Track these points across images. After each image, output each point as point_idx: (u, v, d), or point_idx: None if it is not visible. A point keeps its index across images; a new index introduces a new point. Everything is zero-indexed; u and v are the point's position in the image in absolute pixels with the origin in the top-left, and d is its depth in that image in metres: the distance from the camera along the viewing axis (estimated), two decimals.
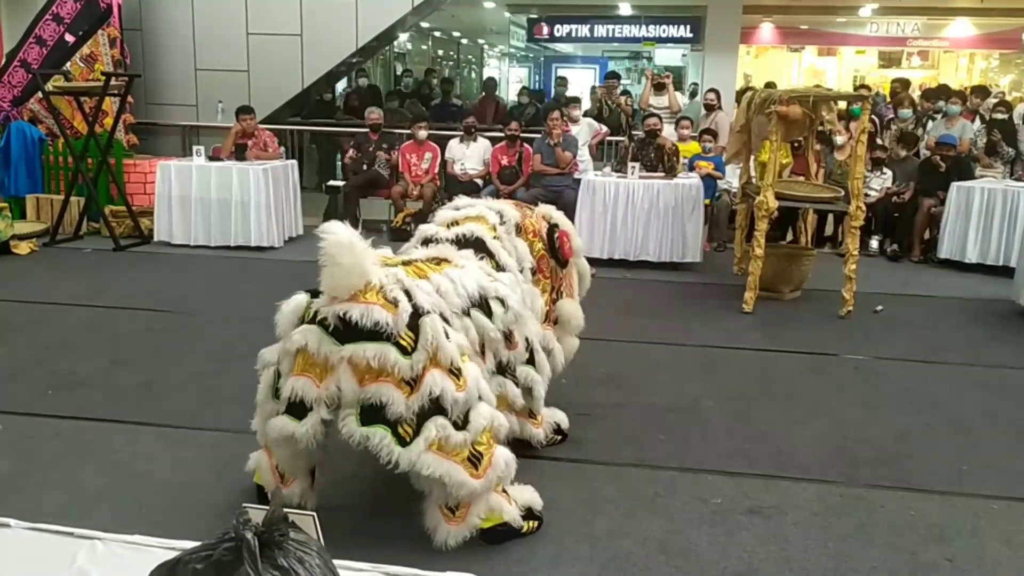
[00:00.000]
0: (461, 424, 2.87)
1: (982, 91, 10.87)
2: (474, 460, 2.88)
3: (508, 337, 3.39)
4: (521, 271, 3.68)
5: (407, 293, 2.89)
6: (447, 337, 2.90)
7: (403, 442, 2.79)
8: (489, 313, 3.26)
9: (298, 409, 2.89)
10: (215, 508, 3.20)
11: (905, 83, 11.59)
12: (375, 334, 2.77)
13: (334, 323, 2.80)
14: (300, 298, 2.97)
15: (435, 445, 2.80)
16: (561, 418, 3.93)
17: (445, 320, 2.98)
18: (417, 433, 2.79)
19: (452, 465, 2.83)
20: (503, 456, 2.98)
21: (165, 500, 3.37)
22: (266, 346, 3.10)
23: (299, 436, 2.87)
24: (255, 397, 3.10)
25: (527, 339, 3.53)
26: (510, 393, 3.44)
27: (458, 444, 2.83)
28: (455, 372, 2.88)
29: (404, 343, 2.80)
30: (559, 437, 3.90)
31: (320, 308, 2.85)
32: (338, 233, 2.79)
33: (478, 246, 3.53)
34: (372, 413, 2.79)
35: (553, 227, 3.97)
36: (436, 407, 2.82)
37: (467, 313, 3.17)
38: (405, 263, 3.18)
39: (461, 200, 3.93)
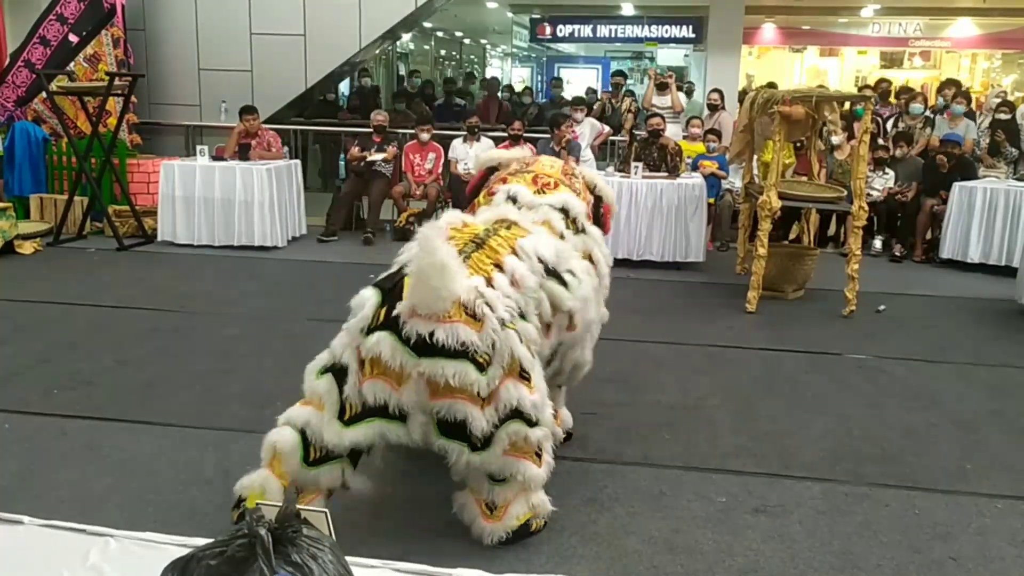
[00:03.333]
0: (536, 422, 2.89)
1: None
2: (539, 453, 2.96)
3: (570, 318, 3.32)
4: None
5: (489, 306, 2.81)
6: (521, 340, 2.87)
7: (475, 447, 2.81)
8: (563, 284, 3.21)
9: (386, 411, 2.83)
10: (221, 506, 3.20)
11: (888, 82, 11.55)
12: (457, 352, 2.72)
13: (415, 339, 2.73)
14: (373, 298, 2.85)
15: (509, 449, 2.84)
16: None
17: (521, 315, 2.94)
18: (490, 440, 2.80)
19: (525, 463, 2.89)
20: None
21: (171, 498, 3.37)
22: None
23: (407, 438, 2.84)
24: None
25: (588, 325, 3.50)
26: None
27: (533, 442, 2.87)
28: (526, 376, 2.87)
29: (481, 359, 2.76)
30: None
31: (402, 319, 2.75)
32: (436, 251, 2.68)
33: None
34: (449, 426, 2.80)
35: (599, 200, 3.88)
36: (512, 414, 2.83)
37: (542, 284, 3.11)
38: (478, 243, 3.04)
39: (521, 195, 3.56)
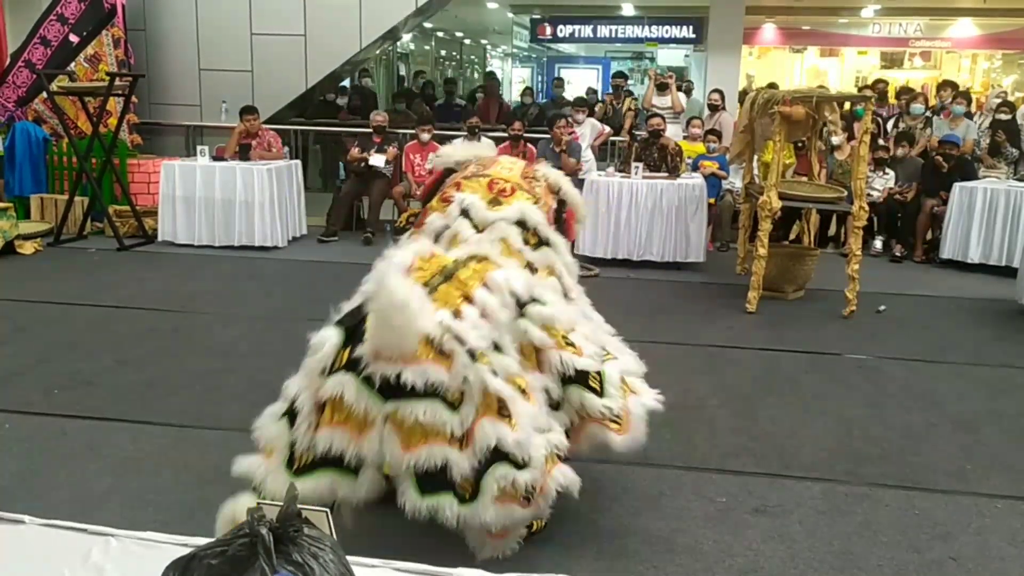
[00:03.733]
0: (524, 463, 2.66)
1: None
2: (529, 495, 2.72)
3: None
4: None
5: (459, 340, 2.62)
6: (496, 374, 2.68)
7: (463, 499, 2.58)
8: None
9: (341, 462, 2.61)
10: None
11: (886, 83, 11.56)
12: (426, 392, 2.55)
13: (379, 382, 2.55)
14: (334, 338, 2.67)
15: (500, 496, 2.61)
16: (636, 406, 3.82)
17: (497, 348, 2.76)
18: (478, 487, 2.59)
19: (516, 508, 2.66)
20: (559, 479, 2.77)
21: (171, 498, 3.38)
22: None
23: (354, 495, 2.64)
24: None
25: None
26: (576, 401, 3.08)
27: (521, 485, 2.62)
28: (506, 414, 2.66)
29: (452, 398, 2.58)
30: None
31: (364, 361, 2.56)
32: (394, 290, 2.50)
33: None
34: (432, 479, 2.56)
35: (562, 204, 3.65)
36: (495, 455, 2.60)
37: (519, 315, 2.93)
38: (446, 276, 2.87)
39: (474, 208, 3.32)
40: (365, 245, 8.50)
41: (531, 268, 3.27)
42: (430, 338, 2.58)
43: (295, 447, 2.66)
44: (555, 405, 3.01)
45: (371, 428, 2.57)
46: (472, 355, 2.62)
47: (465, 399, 2.59)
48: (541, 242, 3.32)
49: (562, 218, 3.60)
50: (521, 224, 3.28)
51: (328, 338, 2.68)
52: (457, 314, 2.73)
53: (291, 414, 2.70)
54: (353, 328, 2.67)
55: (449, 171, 3.70)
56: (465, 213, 3.30)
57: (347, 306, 2.84)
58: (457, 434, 2.57)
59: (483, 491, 2.58)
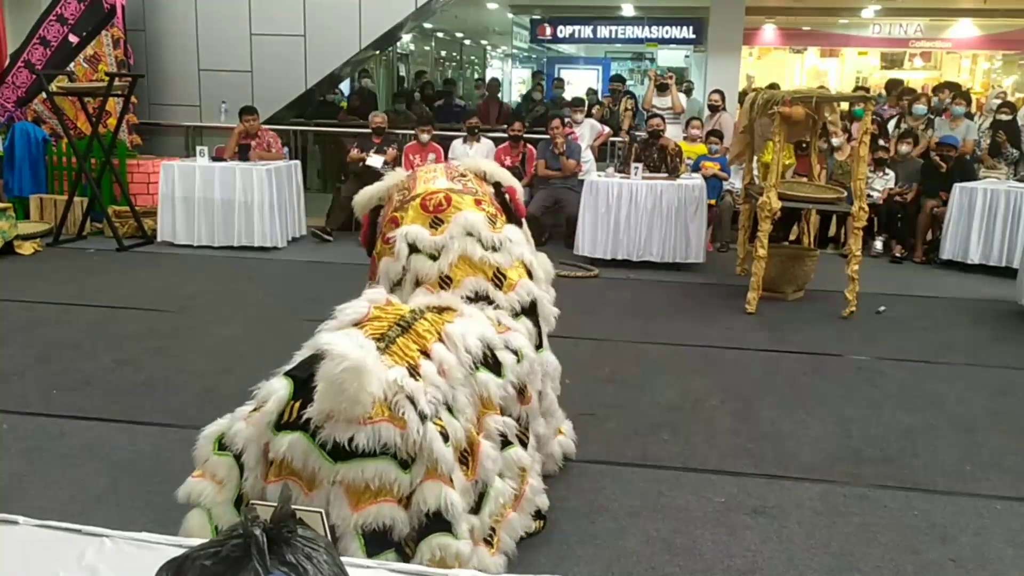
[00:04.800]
0: (474, 509, 2.67)
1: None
2: (489, 540, 2.72)
3: (521, 391, 3.09)
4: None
5: (411, 400, 2.53)
6: (445, 439, 2.58)
7: (407, 558, 2.48)
8: (498, 367, 2.95)
9: None
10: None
11: (897, 83, 11.59)
12: (378, 453, 2.47)
13: (331, 444, 2.45)
14: (281, 391, 2.55)
15: (432, 563, 2.45)
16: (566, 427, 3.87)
17: (448, 408, 2.68)
18: (412, 553, 2.50)
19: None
20: (516, 522, 2.86)
21: (169, 499, 3.36)
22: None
23: None
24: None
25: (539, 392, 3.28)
26: (525, 460, 3.07)
27: (453, 559, 2.49)
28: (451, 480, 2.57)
29: (405, 456, 2.50)
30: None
31: (315, 422, 2.46)
32: (347, 354, 2.40)
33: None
34: (377, 538, 2.46)
35: (497, 185, 3.57)
36: (434, 522, 2.51)
37: (475, 370, 2.85)
38: (403, 327, 2.78)
39: (420, 239, 3.27)
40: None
41: (499, 277, 3.25)
42: (384, 397, 2.50)
43: (244, 494, 2.60)
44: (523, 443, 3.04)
45: (320, 487, 2.49)
46: (423, 417, 2.53)
47: (417, 459, 2.52)
48: (496, 247, 3.27)
49: (505, 199, 3.55)
50: (470, 234, 3.25)
51: (276, 390, 2.57)
52: (415, 369, 2.65)
53: (238, 459, 2.63)
54: (304, 380, 2.57)
55: (376, 210, 3.62)
56: (412, 247, 3.26)
57: (297, 356, 2.76)
58: (404, 493, 2.50)
59: (416, 557, 2.49)
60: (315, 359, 2.55)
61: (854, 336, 5.89)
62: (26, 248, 7.85)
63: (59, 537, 1.65)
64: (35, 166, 9.12)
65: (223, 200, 8.21)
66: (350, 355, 2.39)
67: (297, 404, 2.51)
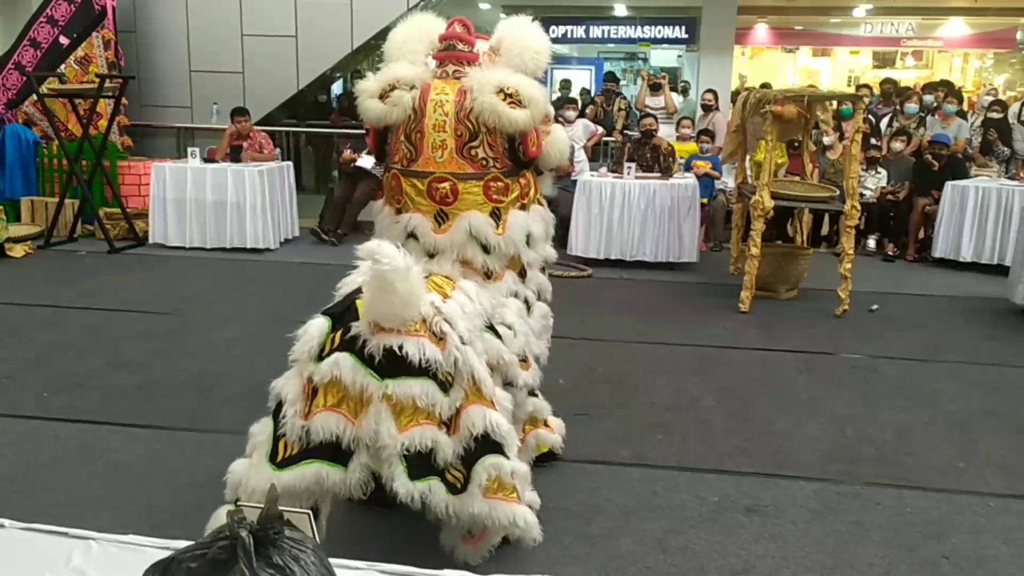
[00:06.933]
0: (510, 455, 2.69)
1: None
2: (517, 491, 2.75)
3: (524, 360, 3.18)
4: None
5: (449, 323, 2.62)
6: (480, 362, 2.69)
7: (454, 489, 2.57)
8: (498, 337, 3.01)
9: (331, 451, 2.54)
10: (215, 510, 3.18)
11: (893, 83, 11.61)
12: (422, 371, 2.52)
13: (379, 356, 2.51)
14: (320, 322, 2.62)
15: (490, 489, 2.59)
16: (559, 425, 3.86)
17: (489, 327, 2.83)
18: (468, 478, 2.57)
19: (512, 507, 2.64)
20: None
21: (164, 501, 3.35)
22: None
23: (344, 486, 2.56)
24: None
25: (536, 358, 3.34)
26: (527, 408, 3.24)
27: (507, 473, 2.61)
28: (492, 403, 2.67)
29: (444, 378, 2.56)
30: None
31: (363, 335, 2.52)
32: (395, 258, 2.45)
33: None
34: (420, 463, 2.52)
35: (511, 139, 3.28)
36: (483, 445, 2.59)
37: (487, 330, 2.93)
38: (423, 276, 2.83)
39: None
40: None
41: (488, 274, 3.26)
42: (424, 317, 2.57)
43: (280, 439, 2.61)
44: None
45: (367, 408, 2.52)
46: (462, 339, 2.62)
47: (455, 382, 2.59)
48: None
49: (515, 146, 3.20)
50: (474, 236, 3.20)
51: (315, 325, 2.63)
52: (445, 299, 2.75)
53: (276, 408, 2.66)
54: (341, 313, 2.64)
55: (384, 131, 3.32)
56: (412, 235, 3.23)
57: (335, 295, 2.84)
58: (445, 417, 2.56)
59: (472, 480, 2.57)
60: (353, 295, 2.64)
61: (847, 334, 5.90)
62: (17, 251, 7.82)
63: (46, 540, 1.64)
64: (26, 168, 9.09)
65: (215, 201, 8.18)
66: (399, 259, 2.46)
67: (337, 334, 2.57)
